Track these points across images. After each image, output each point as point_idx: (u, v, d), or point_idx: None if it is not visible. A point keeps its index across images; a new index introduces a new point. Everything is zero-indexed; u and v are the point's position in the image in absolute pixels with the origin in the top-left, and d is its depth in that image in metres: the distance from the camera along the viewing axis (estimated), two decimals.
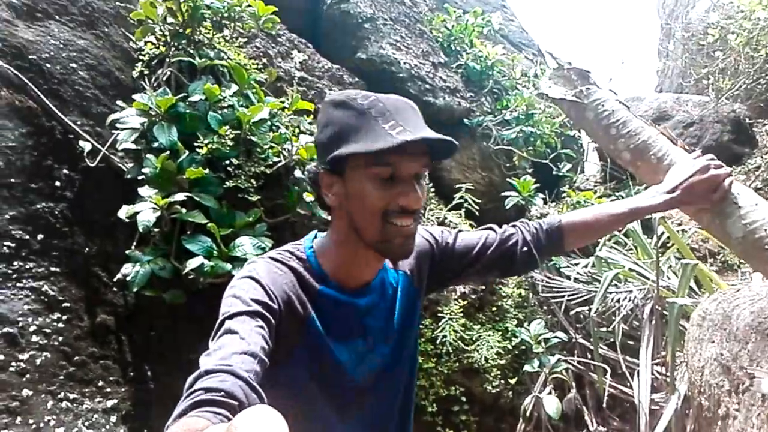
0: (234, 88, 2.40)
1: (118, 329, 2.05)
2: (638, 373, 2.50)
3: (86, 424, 1.79)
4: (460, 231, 1.30)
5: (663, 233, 2.93)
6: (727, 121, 4.50)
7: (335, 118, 1.00)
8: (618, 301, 2.91)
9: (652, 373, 2.50)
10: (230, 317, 0.90)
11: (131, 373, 2.04)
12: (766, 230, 1.01)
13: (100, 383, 1.92)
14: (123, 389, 1.98)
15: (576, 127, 3.55)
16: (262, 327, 0.90)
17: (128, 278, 1.96)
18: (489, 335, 2.82)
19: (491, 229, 1.31)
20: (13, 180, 1.86)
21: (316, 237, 1.14)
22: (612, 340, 2.90)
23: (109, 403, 1.91)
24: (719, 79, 4.42)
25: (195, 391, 0.73)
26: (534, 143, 4.05)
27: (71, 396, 1.82)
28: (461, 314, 2.78)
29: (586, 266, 3.26)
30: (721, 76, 4.43)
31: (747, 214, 1.03)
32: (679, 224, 3.57)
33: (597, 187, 4.50)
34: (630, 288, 2.93)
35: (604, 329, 3.00)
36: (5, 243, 1.79)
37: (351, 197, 1.01)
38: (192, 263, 1.97)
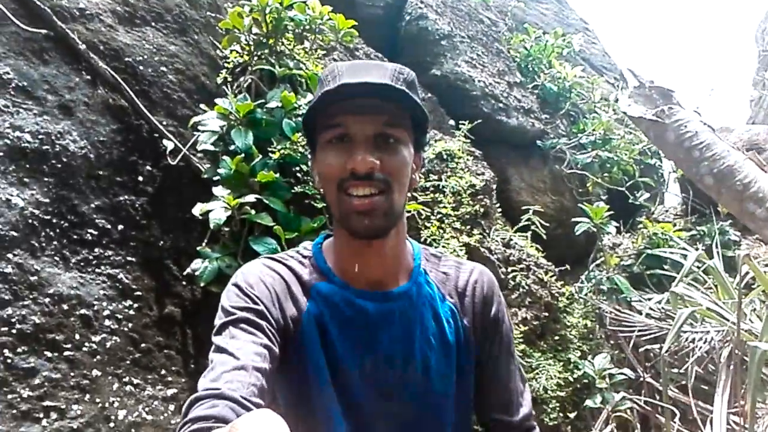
0: (309, 97, 2.46)
1: (184, 322, 2.13)
2: (711, 420, 2.32)
3: (146, 409, 1.86)
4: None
5: (747, 273, 2.73)
6: None
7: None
8: (693, 341, 2.72)
9: (728, 423, 2.31)
10: (217, 332, 0.88)
11: (192, 366, 2.11)
12: None
13: (163, 372, 1.99)
14: (183, 380, 2.04)
15: (657, 148, 3.37)
16: (251, 333, 0.86)
17: (197, 273, 2.04)
18: (549, 365, 2.71)
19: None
20: (100, 172, 1.99)
21: (327, 237, 1.06)
22: (684, 382, 2.71)
23: (170, 392, 1.97)
24: None
25: (186, 422, 0.73)
26: (610, 169, 3.90)
27: (135, 381, 1.90)
28: (521, 340, 2.69)
29: (659, 302, 3.08)
30: None
31: None
32: (767, 264, 3.31)
33: (677, 220, 4.26)
34: (707, 329, 2.73)
35: (676, 371, 2.81)
36: (89, 230, 1.91)
37: (319, 174, 0.95)
38: None
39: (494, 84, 3.70)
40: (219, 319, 0.90)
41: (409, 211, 2.53)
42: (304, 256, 1.01)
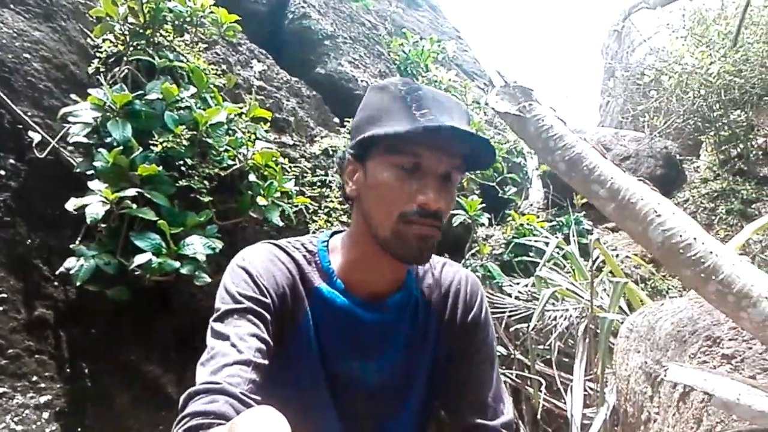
0: (192, 90, 2.41)
1: (57, 324, 1.99)
2: (572, 388, 2.62)
3: (15, 419, 1.73)
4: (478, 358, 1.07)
5: (598, 257, 3.11)
6: (659, 157, 4.83)
7: (370, 102, 0.95)
8: (555, 318, 3.05)
9: (585, 389, 2.62)
10: (220, 318, 0.87)
11: (67, 370, 1.98)
12: (680, 236, 1.13)
13: (34, 378, 1.86)
14: (58, 386, 1.92)
15: (520, 139, 3.70)
16: (255, 325, 0.86)
17: (71, 272, 1.92)
18: None
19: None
20: None
21: (335, 234, 1.06)
22: (548, 356, 3.02)
23: (42, 399, 1.84)
24: (654, 118, 4.76)
25: (185, 416, 0.72)
26: None
27: (1, 390, 1.76)
28: None
29: (526, 285, 3.40)
30: (656, 114, 4.78)
31: (665, 221, 1.15)
32: (614, 249, 3.78)
33: (540, 213, 4.70)
34: (566, 307, 3.07)
35: (542, 346, 3.12)
36: None
37: (369, 187, 0.93)
38: (139, 259, 1.95)
39: None
40: (223, 303, 0.88)
41: (297, 205, 2.57)
42: (309, 251, 1.00)
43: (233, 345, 0.82)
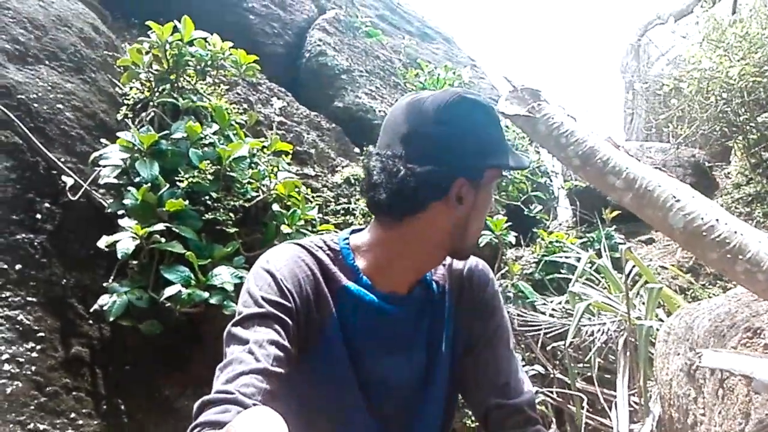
0: (215, 127, 2.50)
1: (93, 361, 2.03)
2: (616, 404, 2.52)
3: None
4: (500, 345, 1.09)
5: (633, 268, 3.04)
6: (688, 165, 4.75)
7: (480, 124, 0.96)
8: (592, 334, 2.96)
9: (630, 405, 2.52)
10: (241, 322, 0.87)
11: (104, 407, 2.01)
12: (702, 219, 1.10)
13: (72, 415, 1.89)
14: (95, 422, 1.94)
15: (533, 140, 3.69)
16: (276, 331, 0.86)
17: (105, 308, 1.97)
18: None
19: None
20: None
21: (354, 232, 1.06)
22: (589, 373, 2.93)
23: None
24: (678, 126, 4.69)
25: (196, 426, 0.73)
26: (506, 188, 4.20)
27: (41, 427, 1.78)
28: None
29: (560, 303, 3.33)
30: (679, 123, 4.71)
31: (685, 206, 1.13)
32: (649, 260, 3.69)
33: (569, 231, 4.63)
34: (603, 320, 2.99)
35: (581, 364, 3.03)
36: None
37: (477, 206, 0.97)
38: (169, 291, 1.99)
39: None
40: (246, 307, 0.89)
41: (322, 232, 2.60)
42: (332, 249, 1.01)
43: (251, 352, 0.82)
